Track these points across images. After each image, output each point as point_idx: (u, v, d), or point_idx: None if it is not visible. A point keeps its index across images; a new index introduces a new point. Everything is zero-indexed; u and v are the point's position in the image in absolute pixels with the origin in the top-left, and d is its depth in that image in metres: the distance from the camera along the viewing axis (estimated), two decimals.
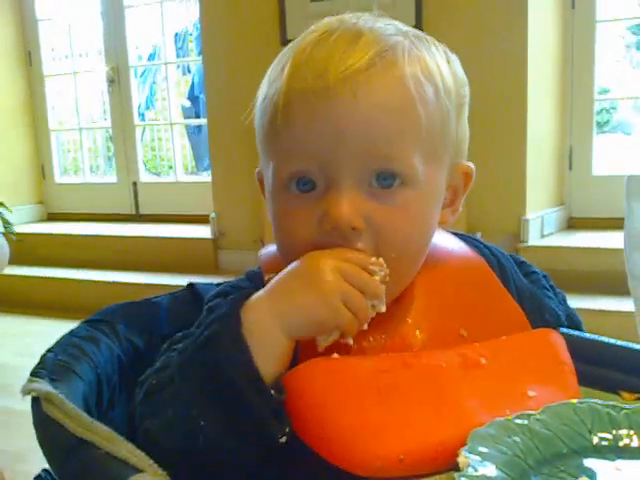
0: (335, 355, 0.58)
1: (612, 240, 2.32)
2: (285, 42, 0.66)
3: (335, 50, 0.59)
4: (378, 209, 0.60)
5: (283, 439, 0.54)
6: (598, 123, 2.80)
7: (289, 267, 0.60)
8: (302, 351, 0.59)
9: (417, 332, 0.62)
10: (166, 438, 0.56)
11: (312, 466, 0.55)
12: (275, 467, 0.57)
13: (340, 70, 0.58)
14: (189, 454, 0.56)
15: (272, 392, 0.55)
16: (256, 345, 0.55)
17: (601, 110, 3.28)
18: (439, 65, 0.63)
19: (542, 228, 2.64)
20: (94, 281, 3.08)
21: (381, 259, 0.59)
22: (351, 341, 0.58)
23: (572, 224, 2.75)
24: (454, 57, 0.67)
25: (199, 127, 4.38)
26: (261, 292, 0.59)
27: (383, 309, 0.59)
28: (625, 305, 2.04)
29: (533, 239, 2.57)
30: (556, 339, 0.65)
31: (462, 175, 0.68)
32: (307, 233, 0.61)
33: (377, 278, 0.58)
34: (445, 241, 0.70)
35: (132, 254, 3.20)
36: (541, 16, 2.51)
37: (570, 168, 2.71)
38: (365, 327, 0.59)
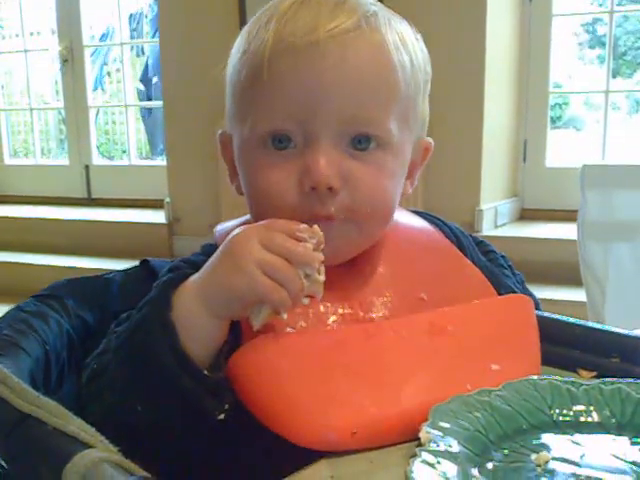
0: (289, 329, 0.57)
1: (563, 231, 2.36)
2: (244, 24, 0.65)
3: (322, 10, 0.60)
4: (354, 167, 0.61)
5: (221, 416, 0.54)
6: (551, 118, 2.83)
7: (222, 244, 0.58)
8: (246, 327, 0.58)
9: (375, 297, 0.62)
10: (107, 422, 0.55)
11: (266, 442, 0.54)
12: (227, 445, 0.56)
13: (329, 28, 0.59)
14: (131, 435, 0.54)
15: (205, 372, 0.54)
16: (185, 327, 0.54)
17: (554, 105, 3.33)
18: (412, 39, 0.65)
19: (495, 219, 2.67)
20: (45, 265, 3.00)
21: (315, 226, 0.56)
22: (285, 316, 0.55)
23: (525, 215, 2.79)
24: (419, 36, 0.69)
25: (149, 110, 4.30)
26: (196, 274, 0.58)
27: (321, 278, 0.55)
28: (576, 295, 2.08)
29: (487, 229, 2.60)
30: (527, 304, 0.65)
31: (422, 150, 0.70)
32: (285, 190, 0.60)
33: (309, 246, 0.55)
34: (404, 216, 0.71)
35: (84, 239, 3.12)
36: (499, 8, 2.53)
37: (524, 160, 2.75)
38: (306, 302, 0.56)
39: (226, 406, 0.54)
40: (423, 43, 0.68)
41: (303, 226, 0.56)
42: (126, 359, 0.56)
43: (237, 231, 0.57)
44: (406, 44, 0.64)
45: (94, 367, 0.59)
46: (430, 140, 0.70)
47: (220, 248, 0.57)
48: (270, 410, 0.54)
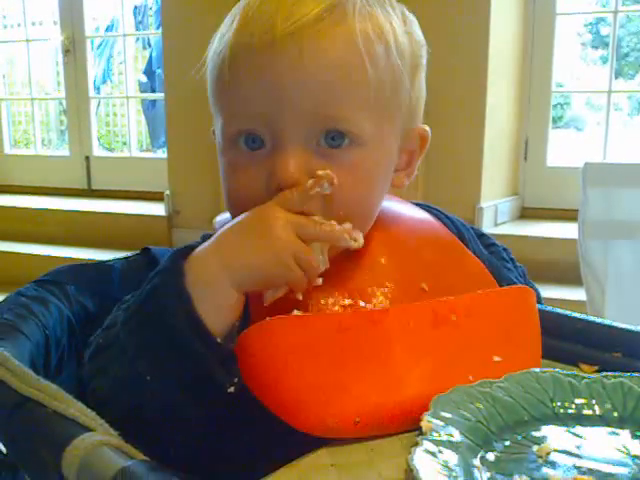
0: (296, 312, 0.57)
1: (564, 230, 2.36)
2: None
3: (283, 5, 0.58)
4: (326, 168, 0.59)
5: (231, 389, 0.53)
6: (552, 118, 2.83)
7: (238, 219, 0.58)
8: (254, 307, 0.58)
9: (376, 288, 0.62)
10: (114, 396, 0.55)
11: (267, 426, 0.54)
12: (229, 427, 0.56)
13: (286, 25, 0.57)
14: (137, 411, 0.54)
15: (218, 341, 0.54)
16: (201, 296, 0.54)
17: (555, 105, 3.33)
18: (392, 24, 0.62)
19: (496, 217, 2.67)
20: (44, 256, 2.99)
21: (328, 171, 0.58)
22: (301, 296, 0.57)
23: (525, 214, 2.79)
24: (412, 17, 0.66)
25: (153, 102, 4.30)
26: (206, 244, 0.57)
27: (356, 245, 0.58)
28: (576, 294, 2.08)
29: (487, 227, 2.60)
30: (529, 296, 0.64)
31: (418, 138, 0.67)
32: (254, 191, 0.60)
33: (334, 222, 0.57)
34: (406, 207, 0.70)
35: (83, 229, 3.12)
36: (503, 5, 2.52)
37: (525, 159, 2.74)
38: (319, 282, 0.58)
39: (235, 380, 0.54)
40: (416, 25, 0.65)
41: (313, 185, 0.57)
42: (137, 328, 0.55)
43: (260, 208, 0.57)
44: (382, 31, 0.60)
45: (99, 342, 0.59)
46: (425, 127, 0.67)
47: (242, 221, 0.57)
48: (273, 393, 0.54)
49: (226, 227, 0.58)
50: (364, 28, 0.59)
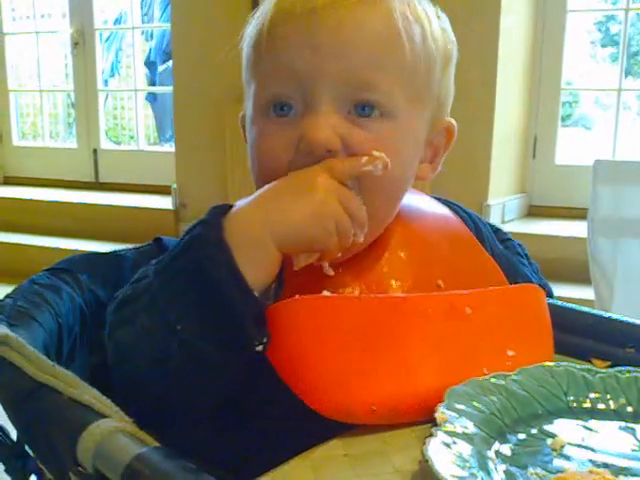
0: (326, 292, 0.57)
1: (571, 228, 2.35)
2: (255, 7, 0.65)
3: None
4: (355, 132, 0.59)
5: (260, 348, 0.53)
6: (561, 116, 2.82)
7: (280, 180, 0.58)
8: (288, 282, 0.58)
9: (393, 281, 0.62)
10: (138, 346, 0.55)
11: (284, 407, 0.54)
12: (246, 400, 0.57)
13: None
14: (160, 362, 0.54)
15: (256, 294, 0.53)
16: (242, 250, 0.53)
17: (564, 103, 3.31)
18: (428, 15, 0.63)
19: (503, 214, 2.66)
20: (51, 248, 3.00)
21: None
22: (327, 265, 0.58)
23: (532, 212, 2.78)
24: (445, 17, 0.67)
25: (154, 95, 4.30)
26: (245, 203, 0.57)
27: (361, 239, 0.59)
28: (583, 292, 2.08)
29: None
30: (539, 295, 0.64)
31: (444, 132, 0.67)
32: (284, 155, 0.60)
33: (364, 209, 0.59)
34: (424, 201, 0.71)
35: (91, 222, 3.13)
36: (513, 3, 2.51)
37: (534, 157, 2.73)
38: (331, 272, 0.59)
39: (265, 339, 0.53)
40: (448, 24, 0.66)
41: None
42: (171, 278, 0.55)
43: (303, 171, 0.57)
44: (419, 17, 0.61)
45: (127, 293, 0.58)
46: (452, 121, 0.67)
47: (286, 181, 0.57)
48: (295, 371, 0.54)
49: (268, 187, 0.58)
50: (403, 9, 0.60)
